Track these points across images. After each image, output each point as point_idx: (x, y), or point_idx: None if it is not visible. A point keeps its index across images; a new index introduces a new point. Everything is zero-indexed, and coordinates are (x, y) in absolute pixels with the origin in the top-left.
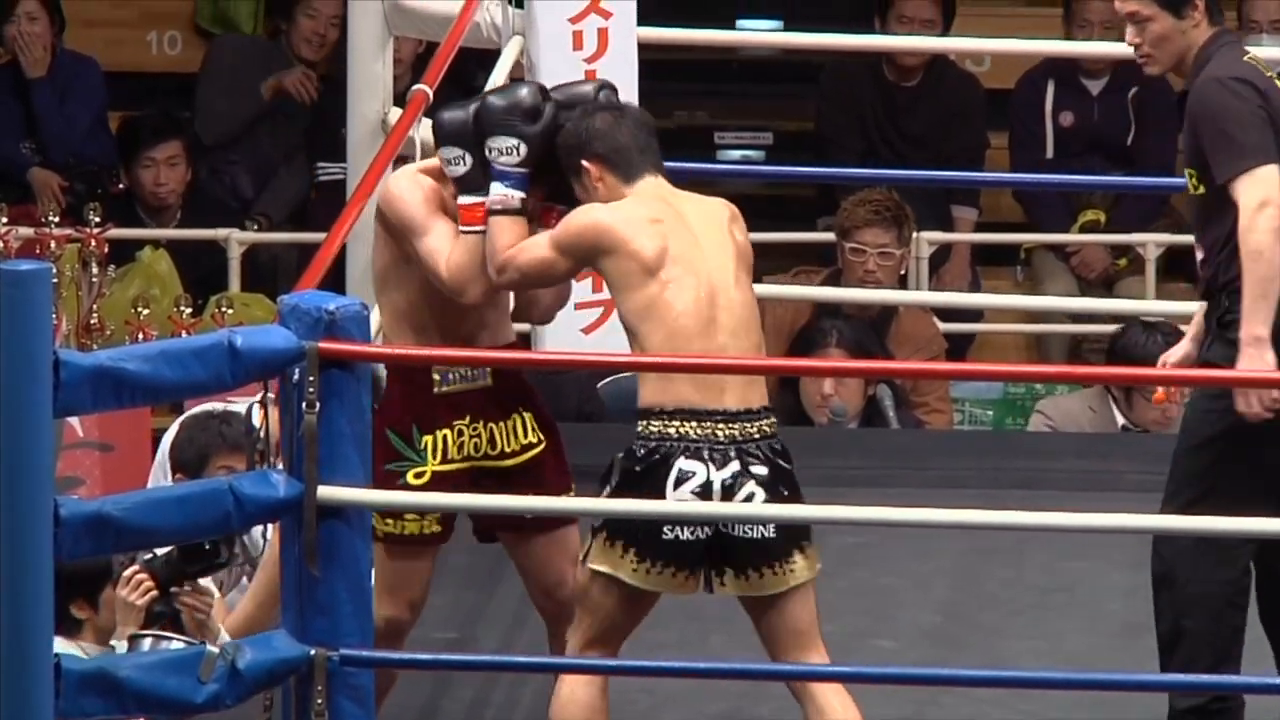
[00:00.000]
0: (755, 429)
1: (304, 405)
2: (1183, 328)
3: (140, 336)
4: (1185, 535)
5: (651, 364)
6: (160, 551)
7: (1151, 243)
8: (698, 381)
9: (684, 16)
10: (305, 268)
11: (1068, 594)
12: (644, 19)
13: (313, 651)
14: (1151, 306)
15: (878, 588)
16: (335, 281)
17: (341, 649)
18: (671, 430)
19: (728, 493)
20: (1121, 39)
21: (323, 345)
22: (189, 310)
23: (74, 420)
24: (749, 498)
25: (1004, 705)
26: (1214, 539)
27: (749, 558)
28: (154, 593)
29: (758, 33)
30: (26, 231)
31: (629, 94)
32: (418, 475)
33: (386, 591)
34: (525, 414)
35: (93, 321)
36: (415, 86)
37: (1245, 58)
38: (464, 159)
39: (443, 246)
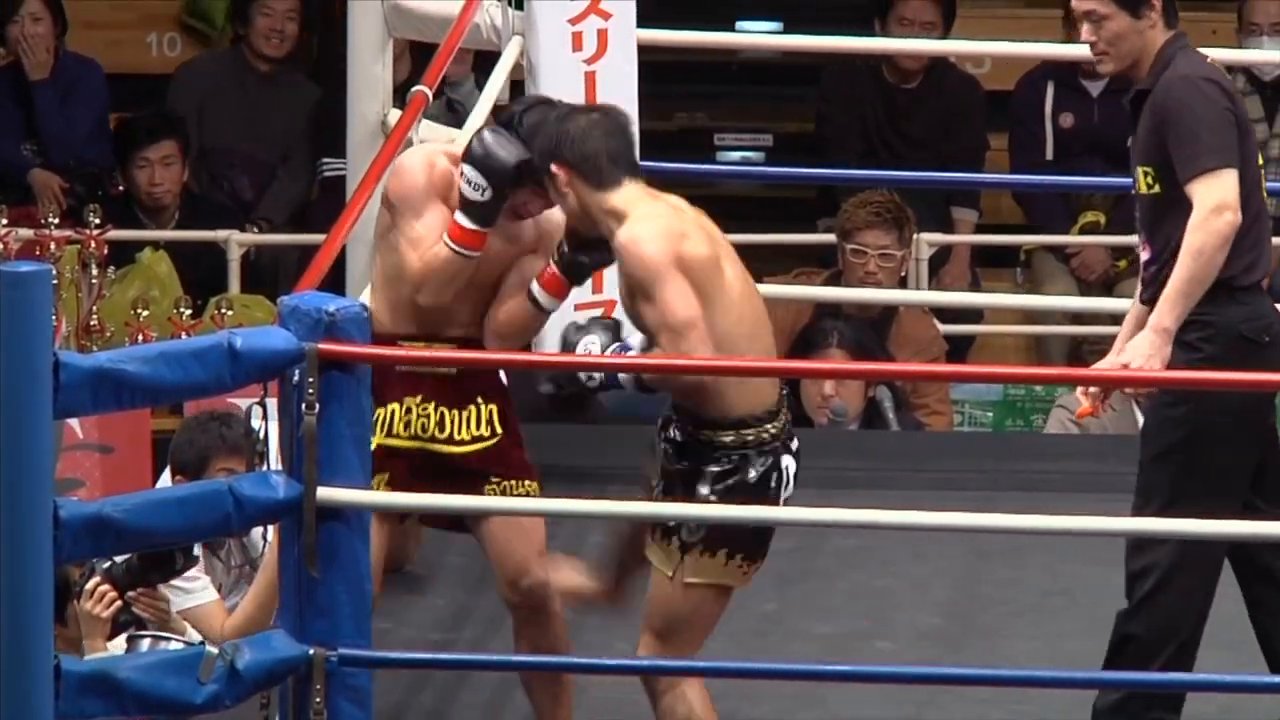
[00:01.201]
0: (788, 415)
1: (304, 406)
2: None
3: (140, 338)
4: (1164, 541)
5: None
6: (119, 559)
7: None
8: (766, 386)
9: (684, 18)
10: (305, 269)
11: (1067, 596)
12: (644, 20)
13: (311, 651)
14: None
15: (877, 589)
16: (335, 283)
17: (340, 649)
18: (765, 434)
19: (795, 480)
20: None
21: (322, 346)
22: (189, 312)
23: (74, 422)
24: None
25: (1003, 706)
26: (1190, 547)
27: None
28: (118, 604)
29: (757, 34)
30: (26, 233)
31: (629, 95)
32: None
33: None
34: (486, 406)
35: (93, 323)
36: (415, 88)
37: (1208, 60)
38: (485, 191)
39: (424, 239)
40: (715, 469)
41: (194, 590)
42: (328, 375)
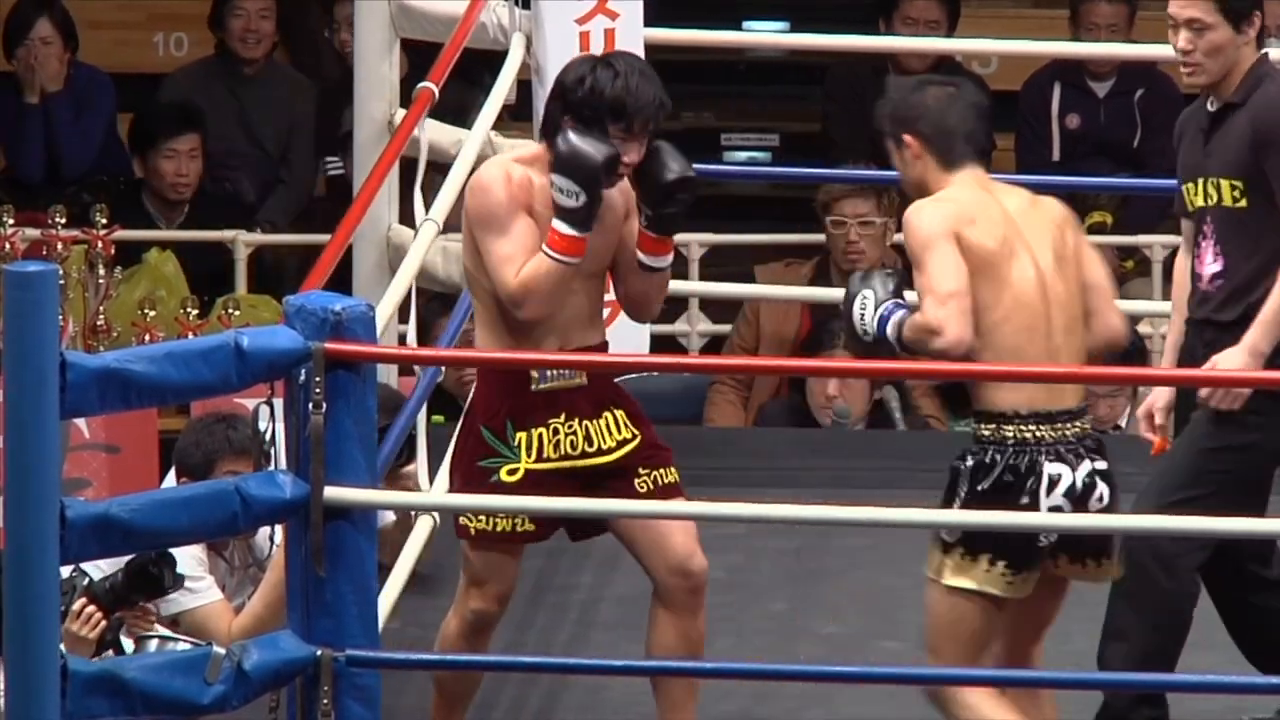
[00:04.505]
0: (1089, 422)
1: (310, 406)
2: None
3: (147, 338)
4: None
5: (687, 365)
6: (100, 576)
7: (1158, 244)
8: (1043, 385)
9: (691, 18)
10: (311, 268)
11: (1074, 594)
12: (651, 20)
13: (319, 652)
14: (1158, 308)
15: (884, 588)
16: (341, 282)
17: (348, 650)
18: (1028, 434)
19: (1086, 491)
20: (1128, 40)
21: (329, 346)
22: (195, 312)
23: (80, 422)
24: (1099, 494)
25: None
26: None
27: (1092, 546)
28: (104, 624)
29: (764, 34)
30: (33, 233)
31: None
32: (510, 472)
33: (474, 585)
34: (617, 410)
35: (99, 323)
36: (420, 85)
37: None
38: (579, 195)
39: (516, 255)
40: (967, 464)
41: (198, 590)
42: (334, 375)
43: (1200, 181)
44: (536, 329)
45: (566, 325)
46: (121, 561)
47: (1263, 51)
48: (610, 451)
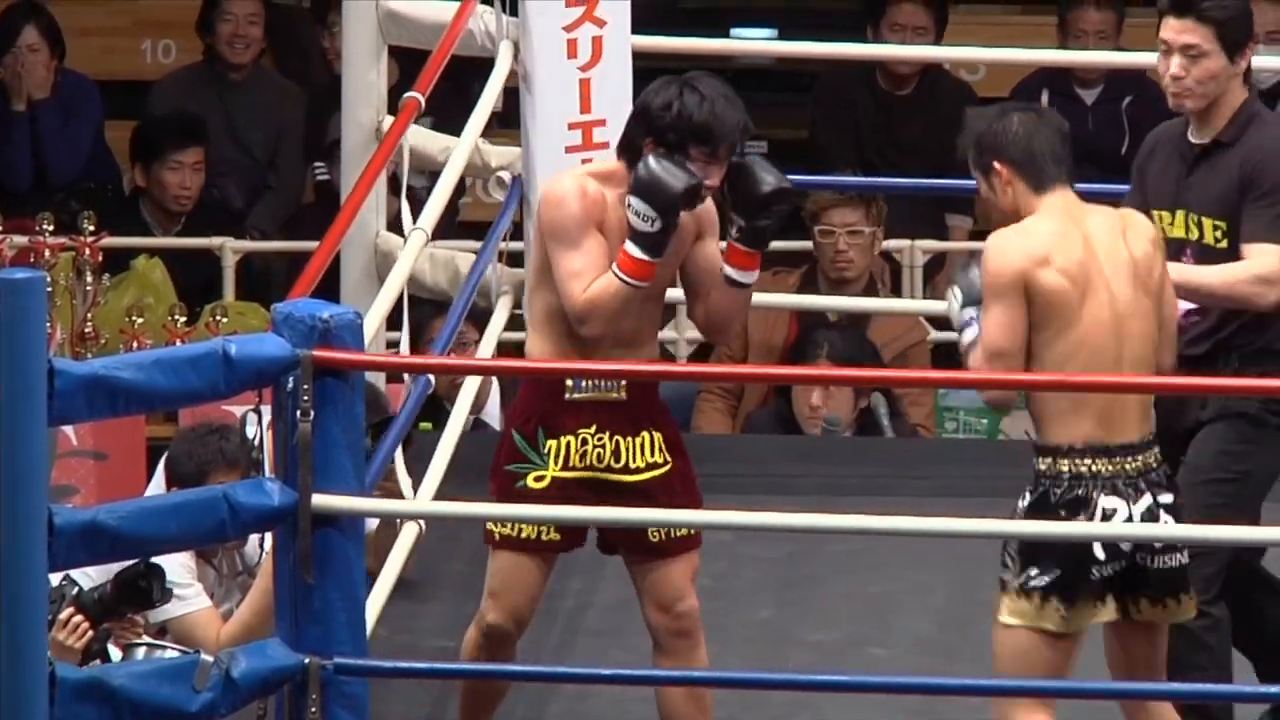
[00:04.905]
0: (1153, 457)
1: (298, 414)
2: None
3: (135, 345)
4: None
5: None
6: (90, 586)
7: None
8: (1104, 417)
9: (678, 25)
10: (299, 275)
11: None
12: (638, 27)
13: (307, 660)
14: None
15: (873, 595)
16: (329, 289)
17: (336, 658)
18: (1083, 469)
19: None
20: (1116, 47)
21: (317, 354)
22: (183, 319)
23: (68, 429)
24: None
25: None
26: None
27: (1165, 585)
28: (90, 634)
29: (752, 42)
30: (21, 240)
31: (623, 102)
32: (538, 479)
33: (492, 596)
34: (655, 433)
35: (87, 330)
36: (407, 94)
37: None
38: (655, 221)
39: (585, 271)
40: (1024, 502)
41: (187, 598)
42: (322, 382)
43: (1179, 214)
44: (589, 343)
45: (618, 343)
46: (110, 570)
47: (1249, 86)
48: (638, 472)
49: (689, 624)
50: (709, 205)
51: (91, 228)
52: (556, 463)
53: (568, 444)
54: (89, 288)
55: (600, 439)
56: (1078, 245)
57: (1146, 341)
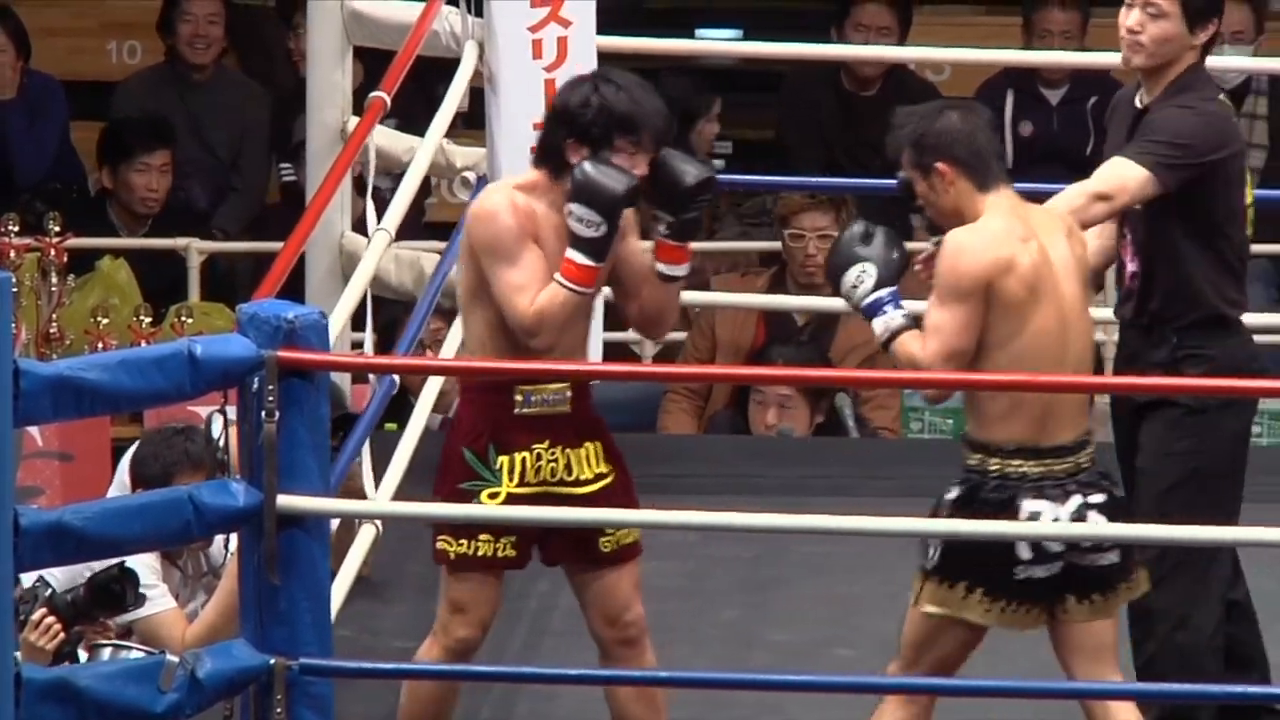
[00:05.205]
0: (1085, 457)
1: (263, 414)
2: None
3: (100, 346)
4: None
5: (641, 373)
6: (60, 587)
7: None
8: (1038, 419)
9: (644, 25)
10: (264, 276)
11: None
12: (603, 28)
13: (272, 661)
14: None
15: (839, 596)
16: (294, 290)
17: (301, 658)
18: (1011, 469)
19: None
20: (1080, 49)
21: (282, 354)
22: (148, 319)
23: (34, 430)
24: None
25: (964, 714)
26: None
27: (1097, 584)
28: (62, 637)
29: (717, 42)
30: None
31: None
32: (492, 495)
33: (457, 612)
34: (596, 443)
35: (52, 331)
36: (373, 94)
37: (1219, 96)
38: (599, 226)
39: (528, 284)
40: (950, 495)
41: (152, 598)
42: (287, 383)
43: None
44: (536, 356)
45: (563, 352)
46: (77, 572)
47: (1202, 63)
48: (588, 483)
49: (635, 632)
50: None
51: (57, 228)
52: (511, 479)
53: (522, 460)
54: (54, 288)
55: (553, 453)
56: (1034, 249)
57: (1089, 340)
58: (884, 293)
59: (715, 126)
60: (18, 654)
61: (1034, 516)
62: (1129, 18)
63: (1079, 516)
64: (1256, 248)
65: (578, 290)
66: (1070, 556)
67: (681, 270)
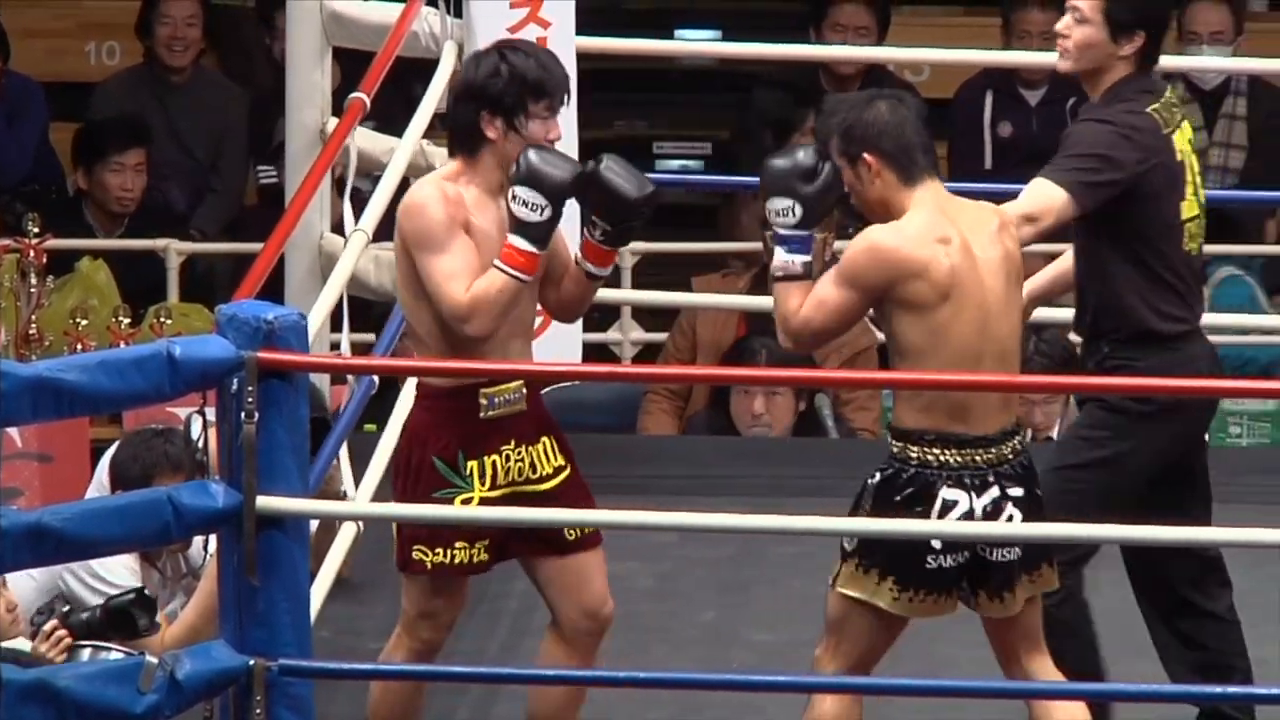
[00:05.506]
0: (1009, 449)
1: (243, 415)
2: (1073, 337)
3: (79, 347)
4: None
5: (624, 374)
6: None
7: None
8: (959, 409)
9: (623, 26)
10: (243, 277)
11: None
12: (583, 29)
13: (251, 662)
14: None
15: (816, 596)
16: (274, 290)
17: (280, 659)
18: (931, 457)
19: (989, 518)
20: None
21: (261, 355)
22: (127, 321)
23: (13, 431)
24: (1009, 520)
25: (942, 714)
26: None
27: (1004, 579)
28: (69, 650)
29: (696, 43)
30: None
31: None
32: (465, 502)
33: (427, 617)
34: (549, 438)
35: (31, 332)
36: (353, 95)
37: (1145, 110)
38: (545, 210)
39: (461, 272)
40: (873, 479)
41: None
42: (266, 384)
43: None
44: (479, 347)
45: (506, 342)
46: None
47: (1144, 73)
48: (549, 479)
49: (606, 625)
50: None
51: (36, 229)
52: (483, 483)
53: (493, 463)
54: (33, 289)
55: (519, 453)
56: (954, 249)
57: (1014, 337)
58: (800, 233)
59: (811, 139)
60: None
61: (949, 505)
62: (1061, 20)
63: (995, 508)
64: (1244, 249)
65: (518, 276)
66: (977, 548)
67: (606, 271)
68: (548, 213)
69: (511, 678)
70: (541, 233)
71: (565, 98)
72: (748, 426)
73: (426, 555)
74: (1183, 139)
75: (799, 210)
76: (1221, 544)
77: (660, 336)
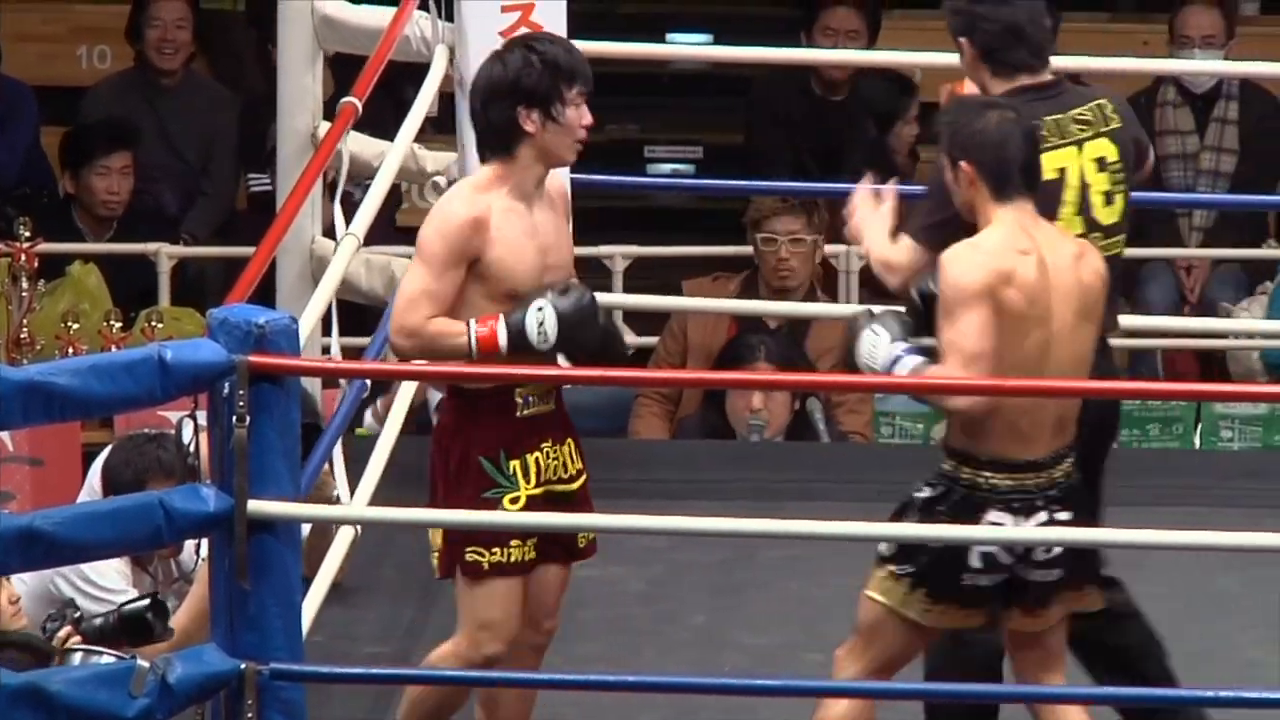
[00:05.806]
0: (1060, 471)
1: (234, 419)
2: None
3: (70, 351)
4: None
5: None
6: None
7: None
8: (1014, 432)
9: (615, 30)
10: (234, 281)
11: None
12: (574, 33)
13: (243, 666)
14: None
15: (807, 600)
16: (265, 295)
17: (272, 663)
18: (982, 480)
19: (1022, 552)
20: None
21: (252, 359)
22: (119, 325)
23: (4, 435)
24: (1048, 546)
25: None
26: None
27: (1040, 596)
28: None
29: (687, 47)
30: None
31: None
32: (513, 500)
33: (484, 628)
34: (571, 439)
35: (22, 336)
36: (344, 100)
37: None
38: (545, 345)
39: (431, 300)
40: (922, 493)
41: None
42: (258, 387)
43: None
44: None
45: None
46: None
47: (1018, 85)
48: (575, 479)
49: (548, 640)
50: (565, 186)
51: (27, 233)
52: (526, 481)
53: (536, 460)
54: (24, 293)
55: (553, 453)
56: (1034, 264)
57: (1079, 366)
58: (898, 347)
59: (914, 129)
60: None
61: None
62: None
63: None
64: (1232, 252)
65: (472, 350)
66: (1016, 569)
67: (477, 356)
68: (544, 348)
69: (509, 681)
70: (525, 348)
71: (592, 81)
72: (745, 422)
73: (484, 555)
74: (1073, 156)
75: (883, 332)
76: (1213, 547)
77: (651, 340)
